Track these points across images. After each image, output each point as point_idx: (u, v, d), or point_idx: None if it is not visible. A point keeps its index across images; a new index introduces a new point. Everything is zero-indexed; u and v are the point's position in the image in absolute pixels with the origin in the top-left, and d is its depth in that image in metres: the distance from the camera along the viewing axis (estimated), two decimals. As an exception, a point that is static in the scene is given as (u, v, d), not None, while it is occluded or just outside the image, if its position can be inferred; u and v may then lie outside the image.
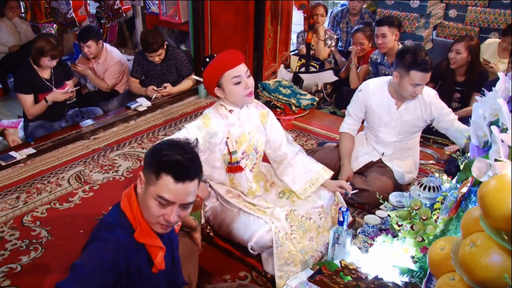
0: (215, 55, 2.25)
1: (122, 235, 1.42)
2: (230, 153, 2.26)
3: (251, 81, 2.19)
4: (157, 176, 1.38)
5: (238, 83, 2.14)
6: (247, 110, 2.30)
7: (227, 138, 2.24)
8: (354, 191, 2.48)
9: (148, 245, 1.46)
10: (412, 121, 2.71)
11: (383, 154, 2.85)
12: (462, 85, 3.67)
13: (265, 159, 2.50)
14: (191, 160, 1.41)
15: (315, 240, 2.31)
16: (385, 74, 3.98)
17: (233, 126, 2.25)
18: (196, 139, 1.56)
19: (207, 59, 2.25)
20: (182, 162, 1.38)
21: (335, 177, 2.61)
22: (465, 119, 3.16)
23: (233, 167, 2.29)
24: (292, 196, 2.42)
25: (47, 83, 3.58)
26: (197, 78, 2.63)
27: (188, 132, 2.15)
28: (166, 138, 1.53)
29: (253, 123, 2.32)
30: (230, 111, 2.25)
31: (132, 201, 1.46)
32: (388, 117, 2.73)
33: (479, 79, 3.58)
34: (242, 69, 2.15)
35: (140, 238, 1.44)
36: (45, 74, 3.57)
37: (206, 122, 2.20)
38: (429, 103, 2.65)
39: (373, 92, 2.75)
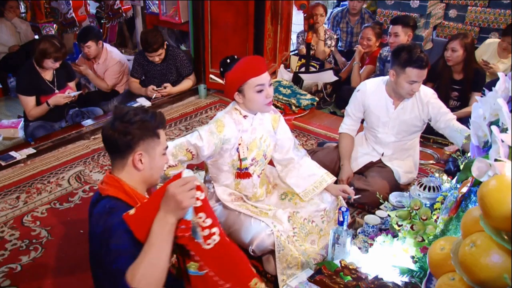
0: (235, 56, 2.22)
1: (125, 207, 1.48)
2: (240, 160, 2.24)
3: (271, 90, 2.17)
4: (157, 135, 1.58)
5: (261, 91, 2.12)
6: (260, 115, 2.28)
7: (239, 144, 2.22)
8: (357, 196, 2.46)
9: None
10: (410, 121, 2.71)
11: (382, 154, 2.85)
12: (459, 83, 3.67)
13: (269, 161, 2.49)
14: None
15: (316, 243, 2.30)
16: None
17: (245, 132, 2.23)
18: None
19: (228, 60, 2.22)
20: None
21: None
22: (464, 120, 3.17)
23: (242, 173, 2.28)
24: (295, 198, 2.41)
25: (50, 85, 3.58)
26: (214, 77, 2.60)
27: (200, 137, 2.13)
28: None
29: (264, 128, 2.30)
30: (245, 116, 2.22)
31: (122, 183, 1.53)
32: (386, 117, 2.73)
33: (476, 76, 3.59)
34: (266, 78, 2.13)
35: None
36: (48, 76, 3.57)
37: (220, 128, 2.17)
38: (426, 102, 2.65)
39: (371, 92, 2.75)
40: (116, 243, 1.37)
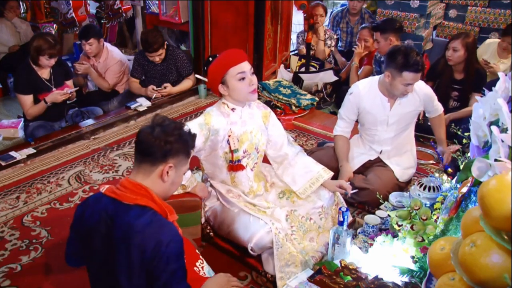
0: (217, 55, 2.26)
1: (169, 222, 1.56)
2: (231, 151, 2.26)
3: (255, 78, 2.21)
4: (188, 155, 1.64)
5: (243, 79, 2.16)
6: (249, 109, 2.31)
7: (229, 136, 2.24)
8: (354, 191, 2.48)
9: (173, 221, 1.59)
10: (409, 114, 2.76)
11: (381, 152, 2.86)
12: (460, 83, 3.66)
13: (265, 159, 2.49)
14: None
15: (315, 241, 2.30)
16: None
17: (235, 124, 2.25)
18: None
19: (210, 59, 2.26)
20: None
21: (334, 178, 2.61)
22: (464, 120, 3.18)
23: (235, 166, 2.29)
24: (292, 196, 2.42)
25: (47, 83, 3.58)
26: (200, 77, 2.64)
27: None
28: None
29: (255, 122, 2.32)
30: (233, 109, 2.26)
31: (151, 193, 1.54)
32: (384, 116, 2.75)
33: (477, 77, 3.57)
34: (246, 66, 2.17)
35: (171, 219, 1.57)
36: (45, 74, 3.57)
37: (207, 119, 2.21)
38: (423, 94, 2.74)
39: (364, 93, 2.76)
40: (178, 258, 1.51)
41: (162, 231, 1.48)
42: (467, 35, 3.59)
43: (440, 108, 2.88)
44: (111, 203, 1.53)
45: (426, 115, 2.97)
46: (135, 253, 1.46)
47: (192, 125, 2.17)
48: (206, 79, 2.40)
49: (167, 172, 1.55)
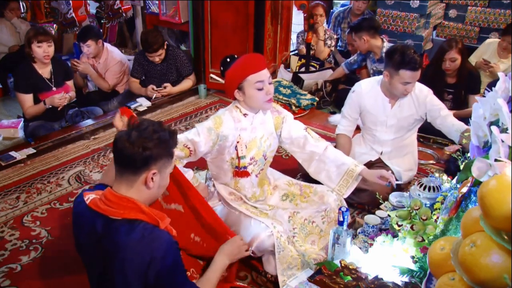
0: (236, 55, 2.22)
1: (162, 232, 1.50)
2: (238, 158, 2.24)
3: (272, 87, 2.16)
4: (172, 155, 1.55)
5: (261, 89, 2.12)
6: (262, 115, 2.27)
7: (237, 142, 2.22)
8: (398, 182, 2.33)
9: (166, 227, 1.53)
10: (408, 118, 2.74)
11: (381, 153, 2.86)
12: (453, 87, 3.66)
13: (271, 163, 2.48)
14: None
15: (316, 244, 2.29)
16: (373, 70, 4.06)
17: (244, 130, 2.22)
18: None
19: (228, 59, 2.22)
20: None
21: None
22: (465, 120, 3.17)
23: (240, 172, 2.27)
24: (296, 199, 2.41)
25: (47, 82, 3.57)
26: (214, 76, 2.61)
27: (198, 133, 2.14)
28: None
29: (265, 128, 2.29)
30: (245, 115, 2.22)
31: (138, 204, 1.48)
32: (383, 116, 2.75)
33: (471, 79, 3.59)
34: (266, 74, 2.12)
35: (163, 225, 1.51)
36: (45, 73, 3.57)
37: (217, 124, 2.17)
38: (423, 99, 2.69)
39: (366, 93, 2.76)
40: (177, 265, 1.51)
41: (155, 245, 1.43)
42: (457, 41, 3.58)
43: (449, 112, 2.73)
44: (98, 217, 1.47)
45: (439, 125, 2.73)
46: (129, 269, 1.42)
47: (201, 128, 2.15)
48: (220, 79, 2.37)
49: (152, 178, 1.48)
